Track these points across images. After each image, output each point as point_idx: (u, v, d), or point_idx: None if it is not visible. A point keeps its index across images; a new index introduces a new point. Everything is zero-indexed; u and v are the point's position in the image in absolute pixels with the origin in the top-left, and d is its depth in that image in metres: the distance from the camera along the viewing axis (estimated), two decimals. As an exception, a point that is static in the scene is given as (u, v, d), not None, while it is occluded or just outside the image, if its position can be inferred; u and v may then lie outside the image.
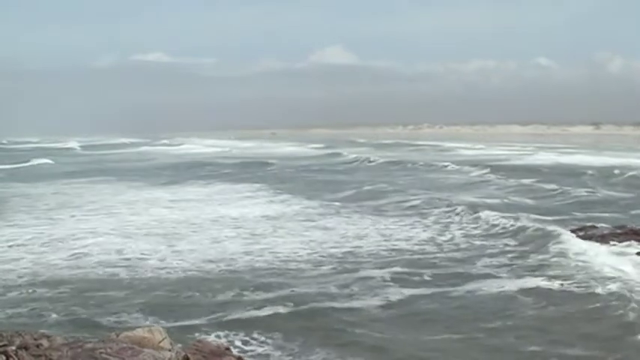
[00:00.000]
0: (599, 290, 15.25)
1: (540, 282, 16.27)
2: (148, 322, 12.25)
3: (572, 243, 20.50)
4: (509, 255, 19.46)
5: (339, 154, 73.23)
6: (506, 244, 21.07)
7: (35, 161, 67.11)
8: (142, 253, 20.11)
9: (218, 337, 12.31)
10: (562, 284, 16.08)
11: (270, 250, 20.70)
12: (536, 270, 17.44)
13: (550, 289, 15.68)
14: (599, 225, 23.60)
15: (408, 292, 15.83)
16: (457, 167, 50.02)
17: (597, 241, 20.91)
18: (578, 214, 26.62)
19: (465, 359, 11.87)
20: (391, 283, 16.54)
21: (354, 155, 69.14)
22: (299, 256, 19.85)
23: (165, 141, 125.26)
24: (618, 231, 22.81)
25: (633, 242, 20.45)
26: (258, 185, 39.68)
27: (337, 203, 30.96)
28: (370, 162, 61.04)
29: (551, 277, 16.57)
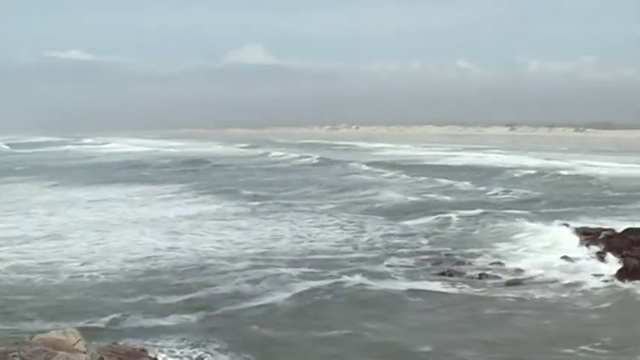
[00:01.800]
0: (504, 293, 15.90)
1: (442, 283, 16.88)
2: (61, 325, 12.38)
3: (484, 242, 21.45)
4: (421, 256, 19.90)
5: (266, 154, 73.29)
6: (420, 243, 21.83)
7: None
8: (59, 256, 20.03)
9: (131, 339, 12.52)
10: (462, 286, 16.58)
11: (190, 247, 21.19)
12: (441, 272, 18.00)
13: (448, 292, 16.21)
14: (515, 223, 24.49)
15: (312, 284, 16.56)
16: (379, 169, 50.45)
17: (509, 241, 21.53)
18: (496, 212, 27.43)
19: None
20: (297, 280, 17.10)
21: (282, 156, 69.14)
22: (215, 254, 20.27)
23: (89, 140, 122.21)
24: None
25: (548, 243, 20.82)
26: (181, 186, 39.53)
27: (256, 202, 31.26)
28: (294, 162, 61.27)
29: (454, 281, 17.10)
